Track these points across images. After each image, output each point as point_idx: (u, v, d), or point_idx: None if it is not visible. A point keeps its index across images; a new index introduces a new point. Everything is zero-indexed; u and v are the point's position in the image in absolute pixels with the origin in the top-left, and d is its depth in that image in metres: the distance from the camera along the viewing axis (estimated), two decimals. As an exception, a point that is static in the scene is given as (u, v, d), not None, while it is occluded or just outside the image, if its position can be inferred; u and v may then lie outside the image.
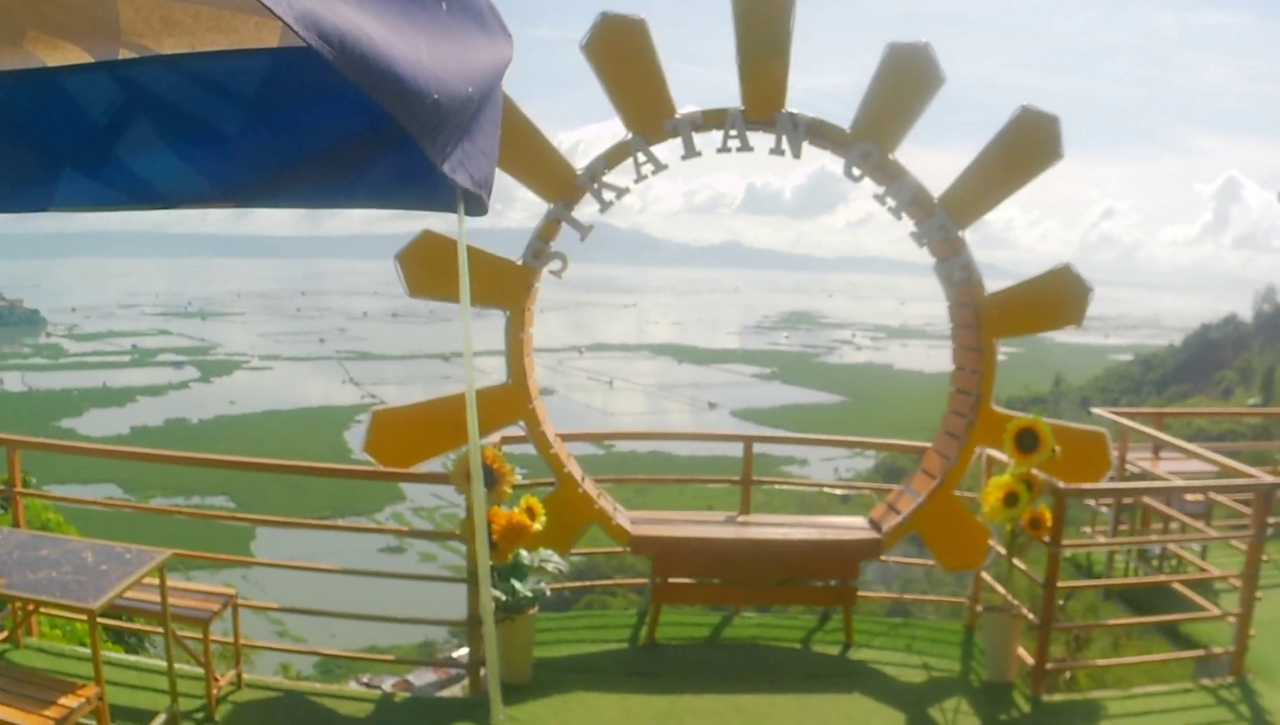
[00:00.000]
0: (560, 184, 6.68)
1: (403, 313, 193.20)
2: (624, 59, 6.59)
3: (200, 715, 5.70)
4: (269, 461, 7.57)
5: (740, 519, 7.57)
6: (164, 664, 5.63)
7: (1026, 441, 6.54)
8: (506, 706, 6.05)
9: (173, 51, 2.67)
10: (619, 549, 7.27)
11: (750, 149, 6.74)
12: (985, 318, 7.01)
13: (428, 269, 6.67)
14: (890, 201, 6.92)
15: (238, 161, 2.72)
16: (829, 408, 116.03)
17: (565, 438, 7.35)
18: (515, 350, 6.87)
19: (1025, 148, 6.91)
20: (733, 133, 6.67)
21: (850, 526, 7.44)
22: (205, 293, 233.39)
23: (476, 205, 2.65)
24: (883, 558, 7.40)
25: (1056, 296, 7.08)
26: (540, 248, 6.75)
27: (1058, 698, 6.61)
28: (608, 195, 6.67)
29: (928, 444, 7.89)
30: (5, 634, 6.32)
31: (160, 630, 5.67)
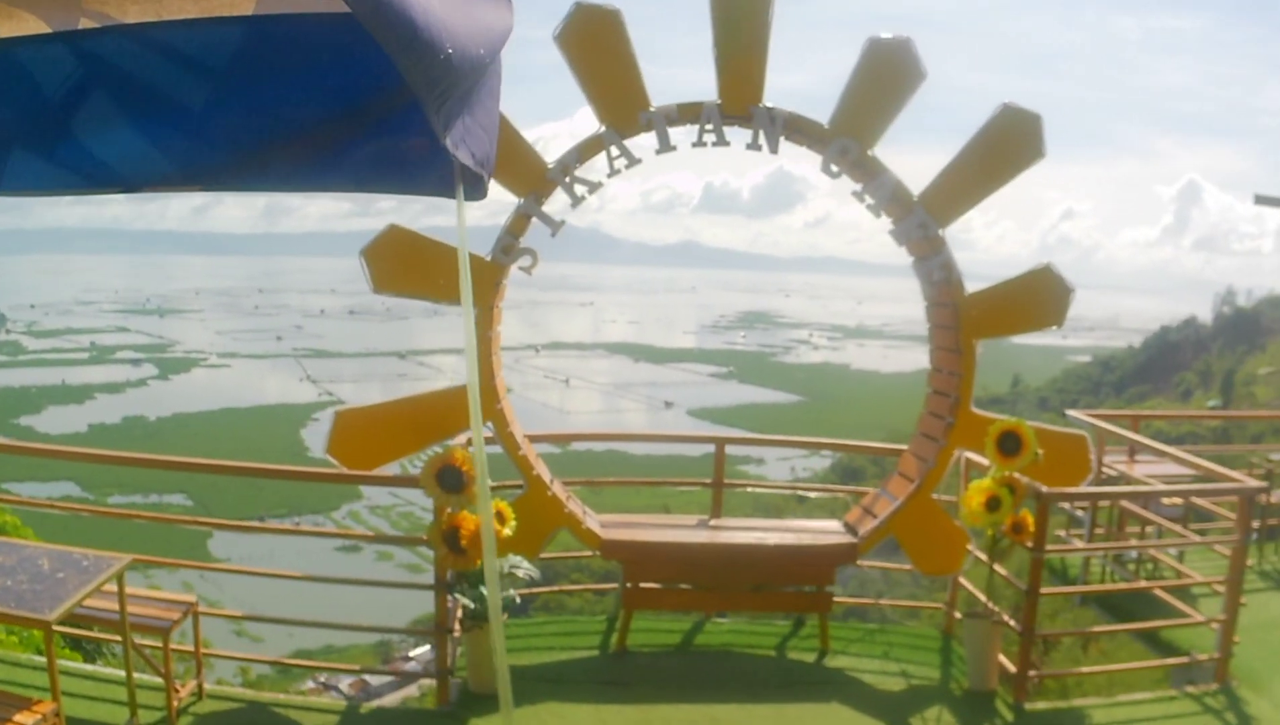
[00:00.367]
0: (531, 178, 6.47)
1: (359, 311, 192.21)
2: (598, 50, 6.40)
3: (159, 728, 5.45)
4: (229, 463, 7.29)
5: (712, 523, 7.39)
6: (123, 674, 5.39)
7: (1009, 445, 6.42)
8: (475, 719, 5.85)
9: (137, 20, 2.42)
10: (575, 552, 7.09)
11: (726, 144, 6.58)
12: (965, 318, 6.88)
13: (393, 265, 6.46)
14: (868, 199, 6.77)
15: (205, 141, 2.49)
16: (786, 407, 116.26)
17: (533, 438, 7.15)
18: (483, 348, 6.65)
19: (1006, 146, 6.80)
20: (708, 127, 6.50)
21: (825, 530, 7.28)
22: (164, 290, 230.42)
23: (475, 187, 2.46)
24: (859, 563, 7.26)
25: (1037, 297, 6.99)
26: (509, 243, 6.53)
27: (1041, 705, 6.48)
28: (580, 190, 6.48)
29: (901, 446, 7.77)
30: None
31: (119, 639, 5.42)
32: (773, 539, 7.02)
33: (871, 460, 67.70)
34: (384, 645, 52.20)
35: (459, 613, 6.19)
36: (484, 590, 5.83)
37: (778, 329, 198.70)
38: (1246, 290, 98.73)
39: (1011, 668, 6.52)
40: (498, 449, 6.81)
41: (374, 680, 39.81)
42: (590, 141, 6.48)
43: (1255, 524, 6.92)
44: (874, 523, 7.06)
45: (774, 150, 6.58)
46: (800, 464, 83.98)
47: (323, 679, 37.19)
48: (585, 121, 6.67)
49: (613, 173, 6.47)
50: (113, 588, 4.96)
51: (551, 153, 6.52)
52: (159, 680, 5.56)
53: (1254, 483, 7.21)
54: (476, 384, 2.25)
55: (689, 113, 6.49)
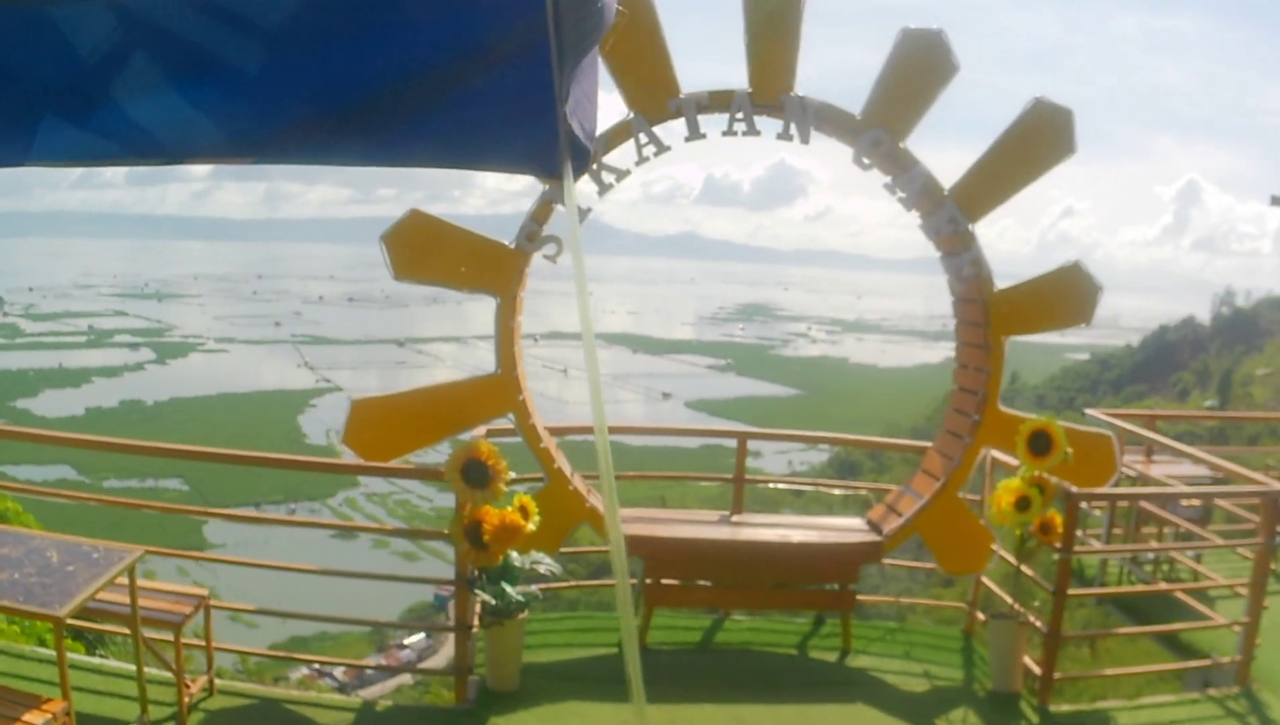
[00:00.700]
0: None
1: (359, 297, 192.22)
2: (627, 34, 6.24)
3: (172, 724, 5.32)
4: (228, 452, 7.17)
5: (734, 519, 7.28)
6: (130, 668, 5.27)
7: (1039, 444, 6.30)
8: (495, 717, 5.73)
9: None
10: (576, 548, 6.97)
11: (757, 133, 6.43)
12: (995, 314, 6.76)
13: (415, 251, 6.30)
14: (899, 192, 6.65)
15: (261, 108, 2.23)
16: (784, 400, 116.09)
17: (555, 431, 7.02)
18: (505, 338, 6.50)
19: (1038, 140, 6.68)
20: (739, 116, 6.35)
21: (849, 528, 7.16)
22: (162, 274, 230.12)
23: (578, 162, 2.21)
24: (883, 561, 7.14)
25: (1067, 294, 6.88)
26: (534, 231, 6.37)
27: (1065, 708, 6.39)
28: (607, 177, 6.32)
29: (923, 443, 7.67)
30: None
31: (127, 632, 5.29)
32: (797, 536, 6.89)
33: (869, 455, 67.97)
34: (378, 633, 52.30)
35: (478, 608, 6.06)
36: (505, 586, 5.71)
37: (776, 322, 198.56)
38: (1245, 291, 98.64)
39: (1036, 669, 6.42)
40: (517, 440, 6.68)
41: (334, 659, 39.68)
42: (618, 128, 6.32)
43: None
44: (899, 521, 6.94)
45: (805, 141, 6.44)
46: (797, 458, 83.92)
47: (315, 666, 37.11)
48: (614, 109, 6.51)
49: (641, 160, 6.33)
50: (123, 580, 4.82)
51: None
52: (168, 675, 5.43)
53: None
54: (598, 375, 2.06)
55: (719, 101, 6.34)
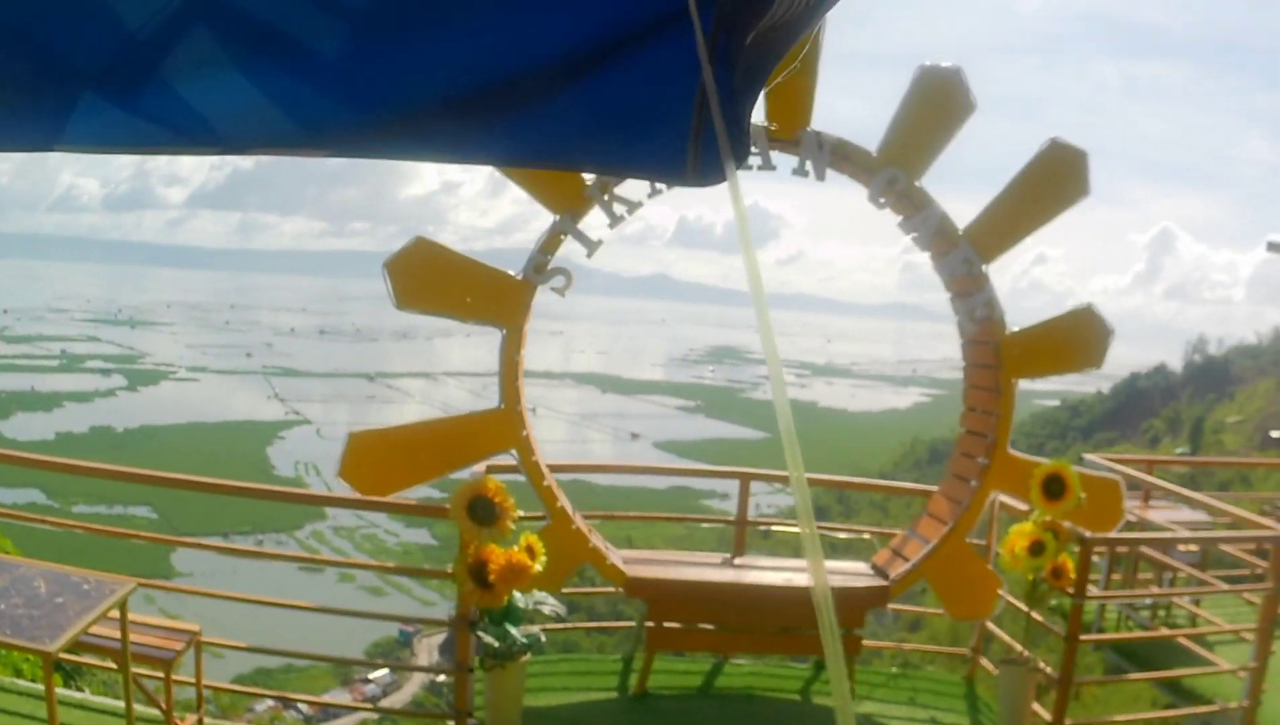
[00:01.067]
0: (568, 194, 6.19)
1: (330, 331, 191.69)
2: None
3: (158, 767, 5.09)
4: (203, 479, 6.93)
5: (737, 561, 7.12)
6: (115, 703, 5.04)
7: (1053, 488, 6.21)
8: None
9: None
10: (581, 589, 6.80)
11: (772, 167, 6.33)
12: (1007, 357, 6.67)
13: (418, 280, 6.13)
14: (913, 232, 6.58)
15: (340, 95, 1.92)
16: (752, 443, 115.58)
17: (554, 468, 6.84)
18: (509, 372, 6.34)
19: (1052, 181, 6.65)
20: (755, 150, 6.27)
21: (854, 573, 7.03)
22: (136, 301, 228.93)
23: (722, 164, 1.78)
24: (889, 606, 7.00)
25: (1078, 338, 6.83)
26: (542, 262, 6.24)
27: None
28: (619, 209, 6.21)
29: (923, 487, 7.60)
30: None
31: (113, 667, 5.07)
32: (803, 580, 6.74)
33: (836, 499, 67.96)
34: (342, 668, 51.68)
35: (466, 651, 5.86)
36: (509, 628, 5.53)
37: (746, 364, 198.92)
38: (1218, 338, 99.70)
39: (1046, 715, 6.29)
40: (516, 477, 6.50)
41: (332, 700, 39.05)
42: (631, 159, 6.21)
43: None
44: (905, 565, 6.80)
45: (820, 177, 6.35)
46: (765, 501, 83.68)
47: (270, 704, 36.37)
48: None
49: (654, 192, 6.22)
50: (114, 614, 4.61)
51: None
52: (155, 712, 5.21)
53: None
54: (787, 405, 1.82)
55: (734, 134, 6.25)
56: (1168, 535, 8.58)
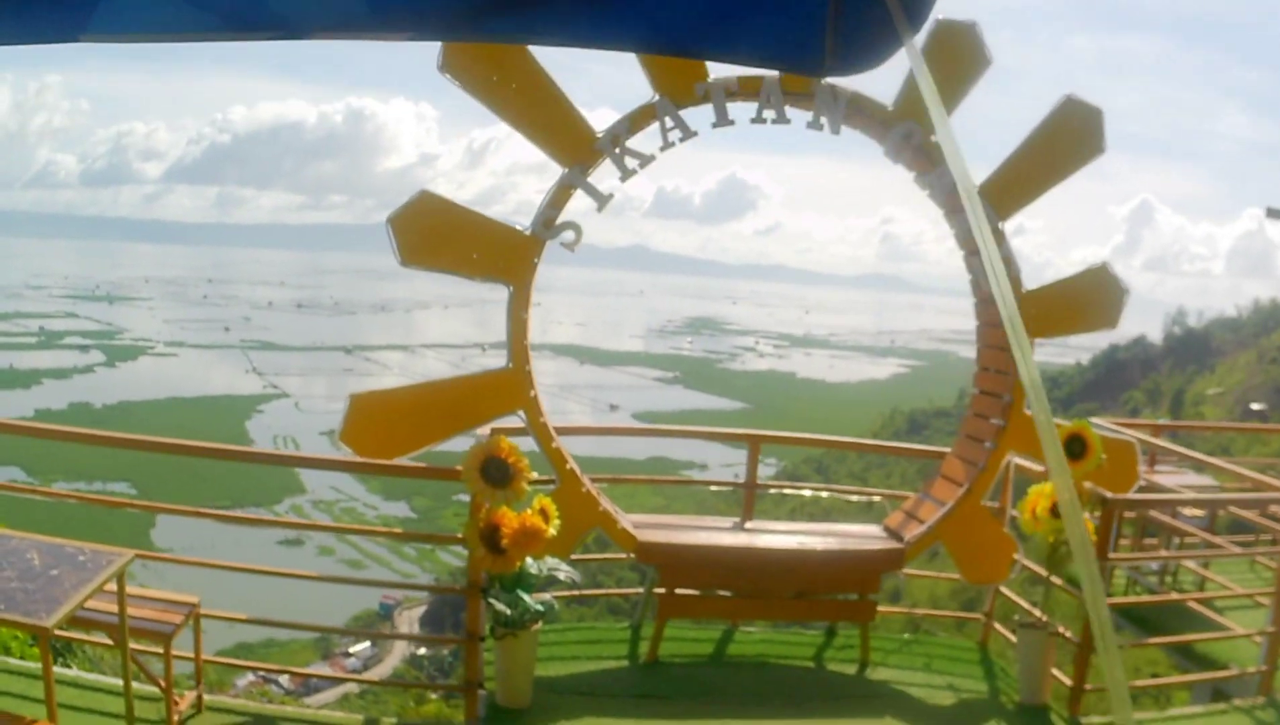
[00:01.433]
0: (578, 147, 5.97)
1: (307, 304, 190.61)
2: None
3: (160, 744, 4.90)
4: (214, 446, 6.73)
5: (748, 526, 6.96)
6: (112, 681, 4.84)
7: (1074, 448, 6.08)
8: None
9: None
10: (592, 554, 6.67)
11: (787, 121, 6.13)
12: (1023, 315, 6.50)
13: (423, 235, 5.88)
14: (927, 188, 6.41)
15: None
16: (731, 414, 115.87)
17: (562, 431, 6.64)
18: (517, 331, 6.11)
19: (1068, 139, 6.52)
20: (768, 103, 6.06)
21: (868, 536, 6.88)
22: (113, 277, 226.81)
23: (914, 22, 1.72)
24: (904, 570, 6.86)
25: (1094, 297, 6.72)
26: (551, 216, 6.02)
27: (1096, 720, 6.14)
28: (630, 162, 6.00)
29: (937, 448, 7.46)
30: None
31: (110, 642, 4.86)
32: (818, 544, 6.59)
33: (815, 469, 68.10)
34: (323, 639, 51.63)
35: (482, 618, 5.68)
36: (521, 594, 5.36)
37: (724, 335, 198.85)
38: (1197, 311, 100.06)
39: (1066, 680, 6.18)
40: (529, 440, 6.30)
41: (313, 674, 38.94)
42: (642, 111, 5.98)
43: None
44: (920, 528, 6.67)
45: (835, 131, 6.16)
46: (741, 470, 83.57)
47: (254, 677, 36.17)
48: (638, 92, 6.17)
49: (666, 145, 5.99)
50: (111, 587, 4.41)
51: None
52: (153, 689, 5.01)
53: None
54: (1034, 367, 1.65)
55: (749, 86, 6.03)
56: (1191, 497, 8.49)
